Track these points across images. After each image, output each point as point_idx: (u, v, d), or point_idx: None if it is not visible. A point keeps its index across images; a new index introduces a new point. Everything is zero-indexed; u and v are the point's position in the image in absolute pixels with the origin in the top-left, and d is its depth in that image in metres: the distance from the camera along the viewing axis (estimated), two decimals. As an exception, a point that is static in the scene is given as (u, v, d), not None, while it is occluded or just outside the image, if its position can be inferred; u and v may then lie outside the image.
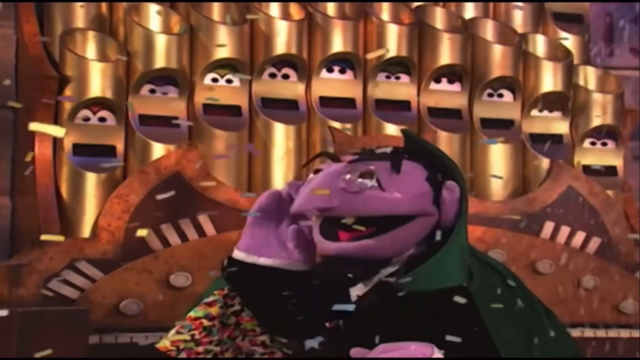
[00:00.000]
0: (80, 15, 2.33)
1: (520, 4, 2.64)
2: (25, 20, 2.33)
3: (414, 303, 1.46)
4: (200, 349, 1.57)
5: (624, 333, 2.40)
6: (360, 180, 1.48)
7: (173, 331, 1.60)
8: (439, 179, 1.53)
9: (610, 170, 2.64)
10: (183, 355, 1.57)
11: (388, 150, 1.57)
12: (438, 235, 1.51)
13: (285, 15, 2.41)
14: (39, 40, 2.29)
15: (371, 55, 2.34)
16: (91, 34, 2.30)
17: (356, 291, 1.52)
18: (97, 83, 2.24)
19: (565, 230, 2.45)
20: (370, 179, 1.49)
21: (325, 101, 2.41)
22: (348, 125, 2.36)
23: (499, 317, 1.49)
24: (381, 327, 1.43)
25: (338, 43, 2.40)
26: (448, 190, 1.52)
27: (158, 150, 2.27)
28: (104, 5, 2.36)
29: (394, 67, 2.46)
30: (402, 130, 1.67)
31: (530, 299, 1.59)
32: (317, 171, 1.55)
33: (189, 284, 2.13)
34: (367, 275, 1.51)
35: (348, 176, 1.49)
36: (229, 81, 2.35)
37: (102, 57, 2.28)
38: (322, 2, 2.44)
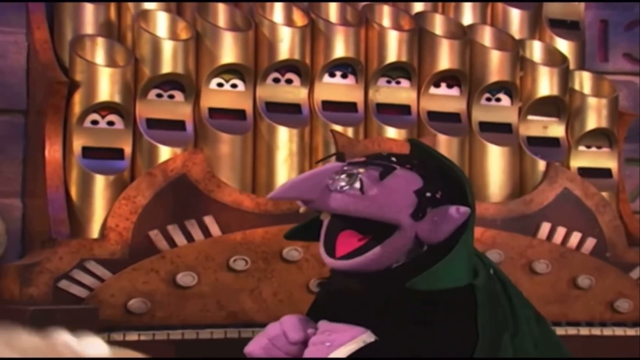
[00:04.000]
0: (89, 21, 2.33)
1: None
2: (36, 27, 2.32)
3: (408, 300, 1.47)
4: None
5: (619, 331, 2.39)
6: (343, 181, 1.50)
7: None
8: (432, 195, 1.51)
9: (605, 173, 2.63)
10: None
11: (392, 157, 1.57)
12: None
13: (289, 22, 2.40)
14: (50, 46, 2.29)
15: None
16: (100, 40, 2.29)
17: None
18: (106, 88, 2.23)
19: (561, 231, 2.44)
20: (353, 180, 1.50)
21: (327, 105, 2.41)
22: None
23: (495, 316, 1.50)
24: (367, 320, 1.45)
25: (340, 49, 2.39)
26: (451, 214, 1.50)
27: (165, 153, 2.26)
28: (112, 11, 2.35)
29: (394, 72, 2.45)
30: (410, 141, 1.68)
31: (526, 305, 1.59)
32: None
33: (195, 283, 2.12)
34: (370, 287, 1.52)
35: (336, 174, 1.50)
36: (234, 86, 2.35)
37: (111, 62, 2.27)
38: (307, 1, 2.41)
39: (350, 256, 1.52)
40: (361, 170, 1.51)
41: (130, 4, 2.36)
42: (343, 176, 1.51)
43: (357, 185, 1.50)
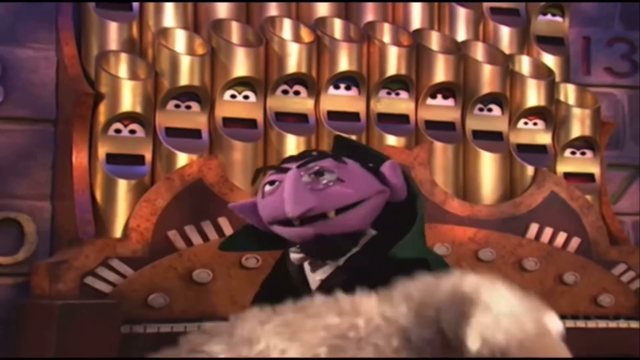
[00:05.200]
0: (113, 38, 2.33)
1: None
2: (65, 43, 2.32)
3: (381, 274, 1.44)
4: None
5: (601, 323, 2.37)
6: (320, 178, 1.45)
7: None
8: (372, 165, 1.52)
9: (589, 177, 2.61)
10: None
11: (313, 152, 1.55)
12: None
13: (297, 38, 2.39)
14: (77, 61, 2.28)
15: None
16: (123, 55, 2.29)
17: (318, 276, 1.50)
18: (128, 99, 2.23)
19: (548, 231, 2.42)
20: (325, 175, 1.46)
21: (332, 115, 2.39)
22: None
23: None
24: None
25: (344, 63, 2.38)
26: (388, 169, 1.50)
27: (182, 159, 2.25)
28: (134, 29, 2.35)
29: (394, 84, 2.44)
30: (335, 137, 1.65)
31: None
32: (272, 182, 1.51)
33: (210, 279, 2.11)
34: (339, 250, 1.47)
35: (308, 177, 1.45)
36: (246, 97, 2.33)
37: (133, 75, 2.27)
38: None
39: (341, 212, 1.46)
40: (323, 165, 1.46)
41: (151, 23, 2.34)
42: (313, 176, 1.46)
43: (334, 177, 1.46)
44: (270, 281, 1.62)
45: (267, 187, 1.52)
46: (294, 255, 1.53)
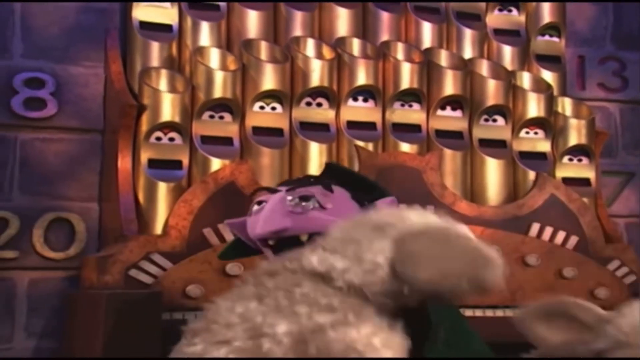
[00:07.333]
0: (155, 56, 2.35)
1: None
2: (112, 61, 2.34)
3: None
4: None
5: (599, 315, 2.33)
6: (303, 203, 1.40)
7: None
8: (362, 197, 1.47)
9: (585, 182, 2.58)
10: None
11: (311, 178, 1.50)
12: None
13: (319, 55, 2.39)
14: (123, 76, 2.29)
15: None
16: (164, 71, 2.31)
17: None
18: (168, 110, 2.24)
19: (549, 230, 2.40)
20: (310, 201, 1.41)
21: (351, 125, 2.38)
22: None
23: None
24: None
25: (362, 78, 2.39)
26: (387, 206, 1.43)
27: (216, 164, 2.26)
28: (174, 48, 2.36)
29: (407, 97, 2.43)
30: (327, 164, 1.59)
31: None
32: (259, 202, 1.47)
33: (241, 272, 2.09)
34: None
35: (291, 201, 1.40)
36: (274, 108, 2.32)
37: (172, 89, 2.28)
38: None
39: None
40: (310, 190, 1.41)
41: (189, 42, 2.35)
42: (297, 200, 1.40)
43: (316, 203, 1.41)
44: None
45: (255, 207, 1.49)
46: None
